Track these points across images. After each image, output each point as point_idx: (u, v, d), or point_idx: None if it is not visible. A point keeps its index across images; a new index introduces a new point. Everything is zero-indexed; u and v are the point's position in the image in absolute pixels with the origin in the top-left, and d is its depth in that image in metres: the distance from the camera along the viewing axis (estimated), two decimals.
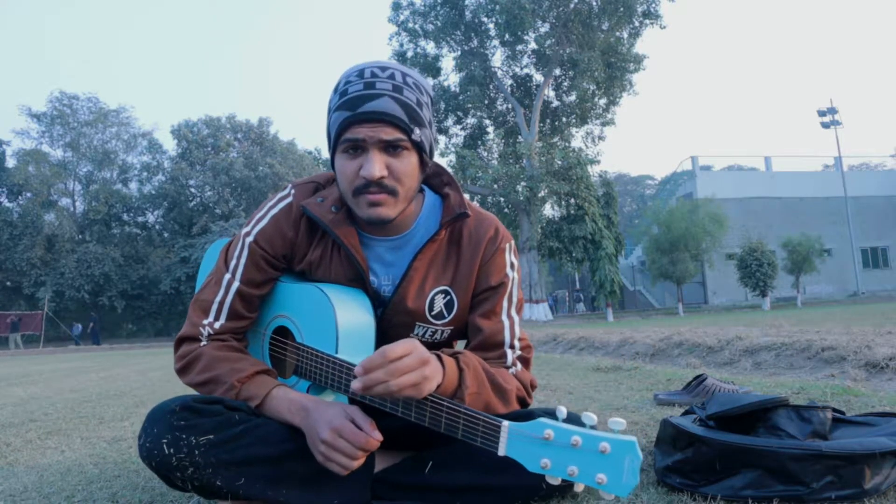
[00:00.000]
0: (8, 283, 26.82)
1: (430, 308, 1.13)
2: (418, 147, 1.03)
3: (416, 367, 0.87)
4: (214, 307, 1.11)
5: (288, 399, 1.01)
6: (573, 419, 0.90)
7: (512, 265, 1.17)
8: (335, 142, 1.02)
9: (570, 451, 0.82)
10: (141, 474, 1.49)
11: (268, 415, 1.01)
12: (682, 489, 1.11)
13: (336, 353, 1.03)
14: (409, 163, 1.02)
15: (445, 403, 0.91)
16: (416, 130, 1.01)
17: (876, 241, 28.49)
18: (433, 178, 1.20)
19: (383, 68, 1.02)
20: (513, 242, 1.19)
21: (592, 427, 0.82)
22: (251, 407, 1.02)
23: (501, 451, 0.87)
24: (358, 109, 0.97)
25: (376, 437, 0.94)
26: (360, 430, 0.93)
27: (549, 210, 21.17)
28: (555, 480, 0.84)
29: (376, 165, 0.98)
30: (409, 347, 0.87)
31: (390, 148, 1.00)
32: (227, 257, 1.15)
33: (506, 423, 0.87)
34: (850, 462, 1.01)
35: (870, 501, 1.01)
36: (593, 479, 0.81)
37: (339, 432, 0.93)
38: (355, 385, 0.86)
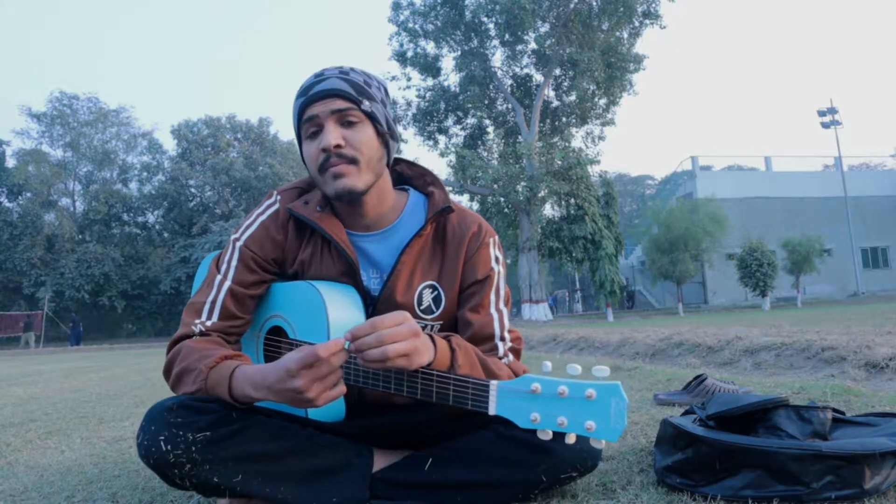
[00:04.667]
0: (8, 284, 26.81)
1: (419, 303, 1.15)
2: (371, 118, 1.08)
3: (408, 337, 0.89)
4: (207, 307, 1.11)
5: (247, 378, 0.94)
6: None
7: (497, 259, 1.19)
8: (299, 130, 1.10)
9: (557, 401, 0.84)
10: (141, 474, 1.49)
11: (242, 401, 0.96)
12: (682, 489, 1.11)
13: None
14: (364, 133, 1.08)
15: (435, 373, 0.93)
16: (366, 102, 1.08)
17: (876, 241, 28.47)
18: (417, 179, 1.25)
19: (336, 66, 1.11)
20: (496, 238, 1.22)
21: (577, 376, 0.84)
22: (227, 400, 0.97)
23: (492, 411, 0.88)
24: (310, 92, 1.07)
25: (323, 344, 0.87)
26: (305, 352, 0.86)
27: (549, 210, 21.15)
28: (546, 434, 0.85)
29: (331, 134, 1.05)
30: (400, 318, 0.90)
31: (345, 121, 1.07)
32: (219, 262, 1.16)
33: (494, 381, 0.89)
34: (850, 462, 1.01)
35: (870, 501, 1.01)
36: (582, 426, 0.83)
37: (296, 371, 0.86)
38: (350, 347, 0.87)
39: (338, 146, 1.05)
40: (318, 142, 1.06)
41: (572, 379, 0.84)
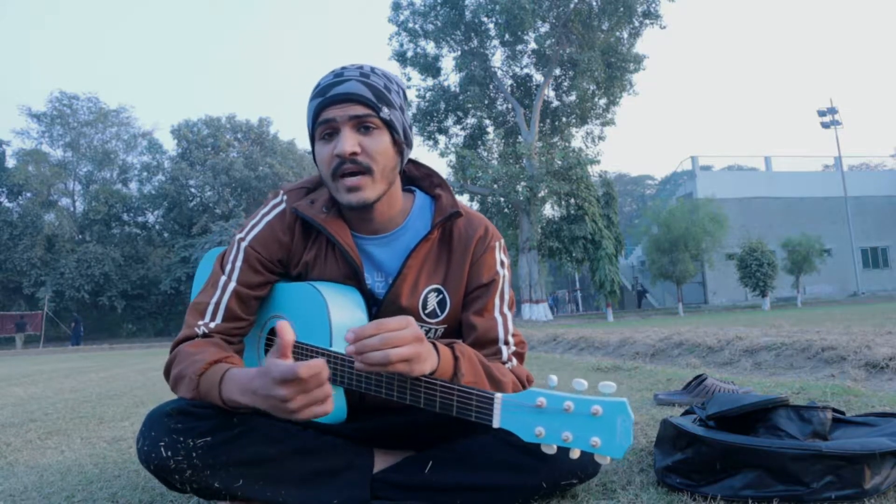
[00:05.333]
0: (8, 284, 26.80)
1: (424, 306, 1.14)
2: (389, 126, 1.06)
3: (411, 342, 0.87)
4: (210, 308, 1.10)
5: (235, 382, 0.92)
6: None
7: (502, 263, 1.19)
8: (313, 131, 1.08)
9: (563, 416, 0.84)
10: (141, 474, 1.49)
11: (231, 406, 0.94)
12: (682, 489, 1.11)
13: (330, 347, 1.03)
14: (381, 141, 1.05)
15: (439, 383, 0.92)
16: (385, 109, 1.05)
17: (876, 241, 28.47)
18: (424, 180, 1.23)
19: (356, 66, 1.08)
20: (502, 241, 1.21)
21: (583, 392, 0.84)
22: (220, 406, 0.95)
23: (496, 423, 0.87)
24: (328, 94, 1.04)
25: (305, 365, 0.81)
26: (287, 367, 0.81)
27: (549, 210, 21.13)
28: (550, 449, 0.85)
29: (348, 141, 1.02)
30: (404, 322, 0.89)
31: (362, 127, 1.04)
32: (223, 262, 1.14)
33: (499, 394, 0.88)
34: (850, 462, 1.01)
35: (870, 501, 1.01)
36: (588, 443, 0.82)
37: (280, 382, 0.82)
38: (349, 349, 0.86)
39: (353, 154, 1.03)
40: (332, 146, 1.04)
41: (578, 394, 0.83)
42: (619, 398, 0.82)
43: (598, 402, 0.82)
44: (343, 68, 1.07)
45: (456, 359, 0.99)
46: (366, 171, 1.04)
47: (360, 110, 1.03)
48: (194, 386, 0.97)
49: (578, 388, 0.83)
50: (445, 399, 0.91)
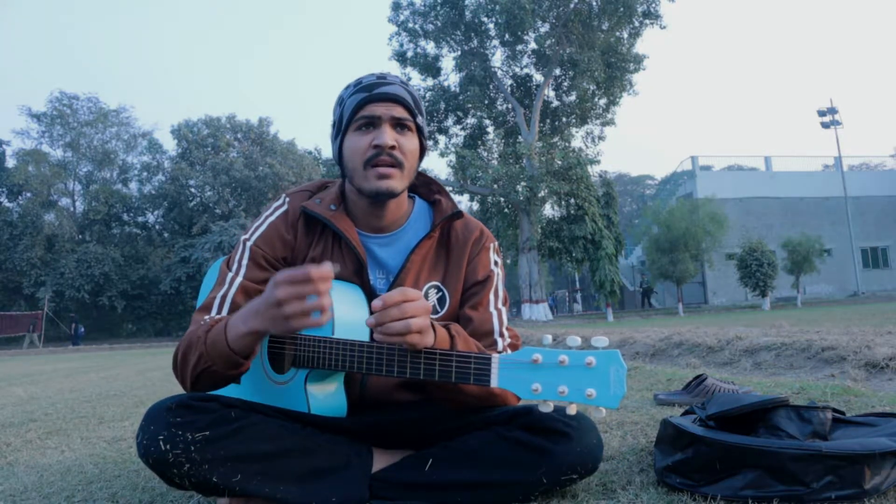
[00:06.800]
0: (8, 284, 26.79)
1: None
2: (420, 132, 1.17)
3: (425, 313, 0.93)
4: (217, 302, 1.14)
5: (238, 316, 0.97)
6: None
7: (496, 262, 1.26)
8: (349, 121, 1.13)
9: (558, 370, 0.86)
10: (141, 474, 1.49)
11: (237, 347, 0.97)
12: (683, 489, 1.11)
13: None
14: (413, 142, 1.16)
15: (437, 351, 0.95)
16: (419, 116, 1.17)
17: (876, 241, 28.45)
18: (423, 188, 1.30)
19: (394, 74, 1.18)
20: (496, 243, 1.29)
21: (577, 347, 0.86)
22: (228, 356, 0.97)
23: (494, 383, 0.90)
24: (374, 91, 1.12)
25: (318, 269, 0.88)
26: (297, 269, 0.89)
27: (549, 210, 21.13)
28: (547, 407, 0.87)
29: (388, 135, 1.11)
30: (417, 293, 0.93)
31: (399, 127, 1.14)
32: (230, 262, 1.19)
33: (496, 354, 0.91)
34: (850, 462, 1.01)
35: (870, 501, 1.01)
36: (583, 394, 0.84)
37: (281, 282, 0.88)
38: (370, 321, 0.91)
39: (392, 147, 1.11)
40: (371, 137, 1.11)
41: (572, 349, 0.86)
42: (612, 349, 0.84)
43: (591, 354, 0.85)
44: (384, 73, 1.17)
45: (452, 337, 1.03)
46: (398, 164, 1.12)
47: (401, 112, 1.13)
48: (202, 342, 1.00)
49: (572, 343, 0.86)
50: (444, 366, 0.93)
